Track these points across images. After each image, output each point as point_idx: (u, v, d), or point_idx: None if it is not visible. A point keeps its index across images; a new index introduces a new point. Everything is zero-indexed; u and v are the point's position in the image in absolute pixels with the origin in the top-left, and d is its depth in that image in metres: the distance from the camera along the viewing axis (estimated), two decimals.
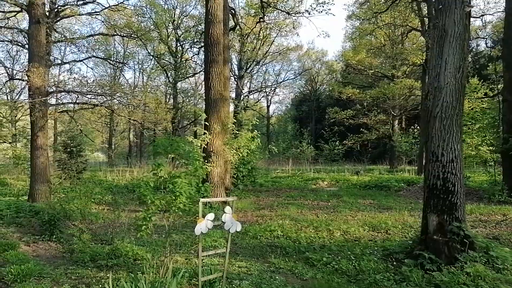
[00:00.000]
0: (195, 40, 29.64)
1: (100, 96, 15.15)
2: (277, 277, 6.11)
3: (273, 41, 34.45)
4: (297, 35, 64.70)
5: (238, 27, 22.57)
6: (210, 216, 4.85)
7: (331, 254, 7.23)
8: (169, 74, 32.89)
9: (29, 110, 22.84)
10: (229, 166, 15.12)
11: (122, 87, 24.46)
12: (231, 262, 6.84)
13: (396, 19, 27.04)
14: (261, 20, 22.45)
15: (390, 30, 29.51)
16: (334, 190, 17.32)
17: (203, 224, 4.82)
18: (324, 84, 48.78)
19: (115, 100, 17.56)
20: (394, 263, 6.51)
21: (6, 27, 15.55)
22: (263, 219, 10.83)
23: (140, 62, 39.01)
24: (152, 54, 33.03)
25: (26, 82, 24.88)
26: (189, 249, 7.41)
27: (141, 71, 39.99)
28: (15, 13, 17.86)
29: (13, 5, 13.20)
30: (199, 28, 29.10)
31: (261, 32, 28.70)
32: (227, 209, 5.05)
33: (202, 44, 29.10)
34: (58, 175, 17.18)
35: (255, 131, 14.77)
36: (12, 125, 23.05)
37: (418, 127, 27.64)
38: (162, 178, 5.32)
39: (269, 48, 34.94)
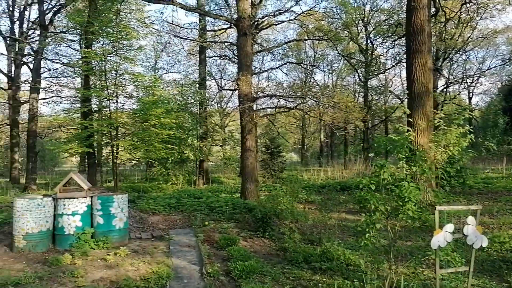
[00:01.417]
0: (387, 35, 28.09)
1: (294, 99, 15.51)
2: None
3: (477, 24, 30.05)
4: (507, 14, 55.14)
5: (440, 12, 20.25)
6: (449, 227, 4.03)
7: None
8: (359, 72, 32.09)
9: (238, 115, 25.21)
10: (434, 166, 13.46)
11: (313, 89, 24.90)
12: (458, 277, 5.79)
13: None
14: (466, 1, 19.65)
15: None
16: None
17: (441, 236, 4.02)
18: None
19: (307, 102, 17.83)
20: None
21: (219, 42, 17.31)
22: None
23: (329, 63, 39.31)
24: (342, 54, 32.76)
25: (232, 91, 27.64)
26: (418, 261, 6.48)
27: (331, 71, 40.27)
28: (224, 30, 19.94)
29: (225, 21, 14.56)
30: (391, 22, 27.47)
31: (462, 15, 25.28)
32: (470, 219, 4.13)
33: (395, 38, 27.45)
34: (261, 175, 18.34)
35: (466, 125, 12.78)
36: (222, 130, 25.92)
37: None
38: (385, 180, 4.71)
39: (471, 33, 30.63)
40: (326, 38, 23.46)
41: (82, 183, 7.70)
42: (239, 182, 19.54)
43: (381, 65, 32.16)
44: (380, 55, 32.19)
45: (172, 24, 19.53)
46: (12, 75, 23.76)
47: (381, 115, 35.09)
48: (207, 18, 20.82)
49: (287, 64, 30.34)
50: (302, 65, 30.41)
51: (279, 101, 14.78)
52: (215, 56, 27.99)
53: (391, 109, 34.13)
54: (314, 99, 16.66)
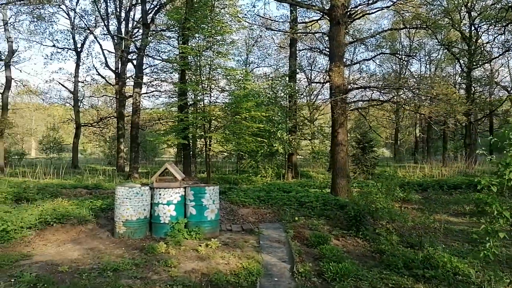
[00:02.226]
0: (495, 20, 25.10)
1: (388, 92, 14.46)
2: None
3: None
4: None
5: None
6: None
7: None
8: (461, 62, 29.22)
9: (328, 109, 24.43)
10: None
11: (409, 80, 23.19)
12: None
13: None
14: None
15: None
16: None
17: None
18: None
19: (402, 94, 16.60)
20: None
21: (311, 32, 16.77)
22: None
23: (427, 53, 36.45)
24: (441, 42, 30.11)
25: (322, 84, 26.89)
26: None
27: (429, 62, 37.32)
28: (315, 21, 19.32)
29: (317, 11, 13.99)
30: (500, 6, 24.47)
31: None
32: None
33: (504, 24, 24.43)
34: (352, 170, 17.51)
35: None
36: (311, 123, 25.35)
37: None
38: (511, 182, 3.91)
39: None
40: (424, 26, 21.64)
41: (177, 173, 7.81)
42: (329, 177, 18.91)
43: (487, 54, 28.95)
44: (486, 42, 28.97)
45: (264, 17, 19.42)
46: (119, 72, 25.66)
47: (486, 109, 31.70)
48: (298, 10, 20.37)
49: (380, 55, 28.71)
50: (397, 55, 28.51)
51: (373, 93, 13.87)
52: (305, 49, 27.47)
53: (498, 102, 30.77)
54: (412, 91, 15.40)
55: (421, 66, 38.66)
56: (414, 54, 32.02)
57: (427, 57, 37.44)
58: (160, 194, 7.54)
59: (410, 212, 10.27)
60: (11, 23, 24.02)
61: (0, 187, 12.41)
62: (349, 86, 13.30)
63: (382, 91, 14.41)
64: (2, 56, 23.70)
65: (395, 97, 16.47)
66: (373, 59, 25.93)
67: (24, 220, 7.75)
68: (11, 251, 6.70)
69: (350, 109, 19.41)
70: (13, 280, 5.22)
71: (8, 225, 7.51)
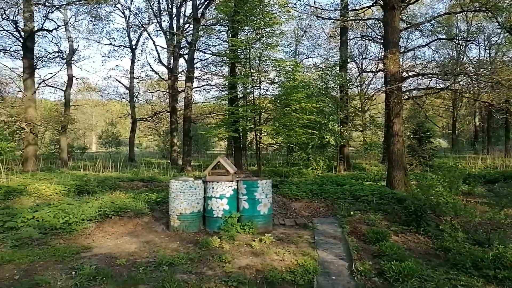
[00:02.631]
0: None
1: (445, 79, 13.53)
2: None
3: None
4: None
5: None
6: None
7: None
8: None
9: (380, 99, 23.47)
10: None
11: (467, 67, 21.69)
12: None
13: None
14: None
15: None
16: None
17: None
18: None
19: (460, 81, 15.50)
20: None
21: (364, 19, 16.08)
22: None
23: (486, 38, 33.99)
24: (502, 25, 27.88)
25: (374, 73, 25.87)
26: None
27: (489, 47, 34.78)
28: (367, 7, 18.52)
29: None
30: None
31: None
32: None
33: None
34: (408, 162, 16.68)
35: None
36: (362, 114, 24.43)
37: None
38: None
39: None
40: (483, 8, 20.08)
41: (229, 167, 7.70)
42: (383, 170, 18.16)
43: None
44: None
45: (314, 6, 18.86)
46: (171, 67, 26.14)
47: None
48: None
49: (436, 41, 27.10)
50: (454, 40, 26.77)
51: (430, 80, 13.04)
52: (356, 37, 26.52)
53: None
54: (472, 77, 14.34)
55: (480, 51, 36.15)
56: (473, 38, 29.91)
57: (487, 41, 34.89)
58: (213, 188, 7.48)
59: (475, 207, 9.54)
60: (71, 23, 25.18)
61: (64, 180, 13.01)
62: (404, 74, 12.58)
63: (440, 78, 13.54)
64: (64, 55, 24.89)
65: (453, 84, 15.48)
66: (429, 45, 24.59)
67: (85, 212, 7.99)
68: (73, 243, 6.91)
69: (406, 98, 18.48)
70: (74, 272, 5.33)
71: (70, 217, 7.77)
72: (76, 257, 6.10)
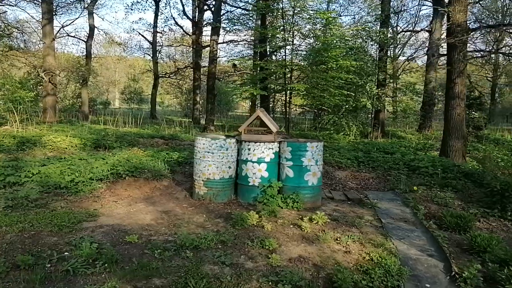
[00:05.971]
0: None
1: None
2: None
3: None
4: None
5: None
6: None
7: None
8: None
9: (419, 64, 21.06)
10: None
11: None
12: None
13: None
14: None
15: None
16: None
17: None
18: None
19: None
20: None
21: None
22: None
23: None
24: None
25: (414, 32, 23.19)
26: None
27: None
28: None
29: None
30: None
31: None
32: None
33: None
34: None
35: None
36: (396, 78, 22.06)
37: None
38: None
39: None
40: None
41: (271, 124, 5.98)
42: (423, 138, 16.20)
43: None
44: None
45: None
46: (196, 20, 24.06)
47: None
48: None
49: None
50: None
51: (503, 32, 10.81)
52: None
53: None
54: None
55: None
56: None
57: None
58: (249, 149, 5.83)
59: None
60: None
61: (81, 133, 11.72)
62: (475, 25, 10.43)
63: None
64: (86, 4, 23.07)
65: None
66: None
67: (94, 171, 6.52)
68: (76, 207, 5.48)
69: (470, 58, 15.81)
70: (67, 252, 3.86)
71: (77, 175, 6.33)
72: (76, 227, 4.65)
